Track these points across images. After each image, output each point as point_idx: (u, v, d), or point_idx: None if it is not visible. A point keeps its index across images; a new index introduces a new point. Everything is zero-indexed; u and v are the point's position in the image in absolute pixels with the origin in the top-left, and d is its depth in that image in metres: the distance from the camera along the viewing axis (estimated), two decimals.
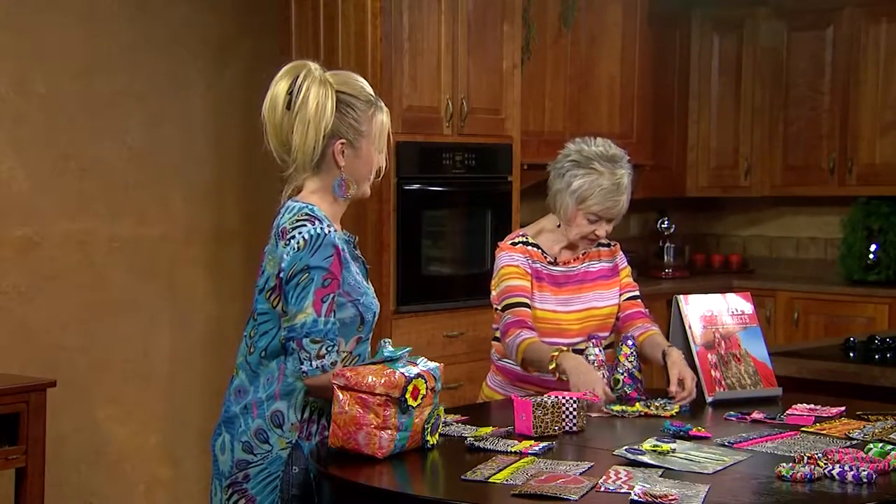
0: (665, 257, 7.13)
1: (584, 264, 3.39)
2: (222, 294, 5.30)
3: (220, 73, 5.29)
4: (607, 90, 6.38)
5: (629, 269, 3.49)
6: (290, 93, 2.62)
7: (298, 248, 2.55)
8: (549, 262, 3.35)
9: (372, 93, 2.71)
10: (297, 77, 2.62)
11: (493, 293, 3.37)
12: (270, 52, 5.28)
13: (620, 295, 3.42)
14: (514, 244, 3.35)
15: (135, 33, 5.02)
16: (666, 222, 7.17)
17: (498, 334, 3.37)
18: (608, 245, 3.45)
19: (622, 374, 3.17)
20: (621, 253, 3.49)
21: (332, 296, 2.56)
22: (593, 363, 3.13)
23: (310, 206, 2.64)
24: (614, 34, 6.39)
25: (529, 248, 3.34)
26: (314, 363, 2.53)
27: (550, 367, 3.09)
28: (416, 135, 5.08)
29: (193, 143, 5.25)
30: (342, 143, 2.65)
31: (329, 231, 2.58)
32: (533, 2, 5.79)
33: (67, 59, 4.81)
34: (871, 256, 6.69)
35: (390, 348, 2.54)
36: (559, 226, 3.34)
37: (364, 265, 2.76)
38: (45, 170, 4.76)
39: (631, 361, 3.17)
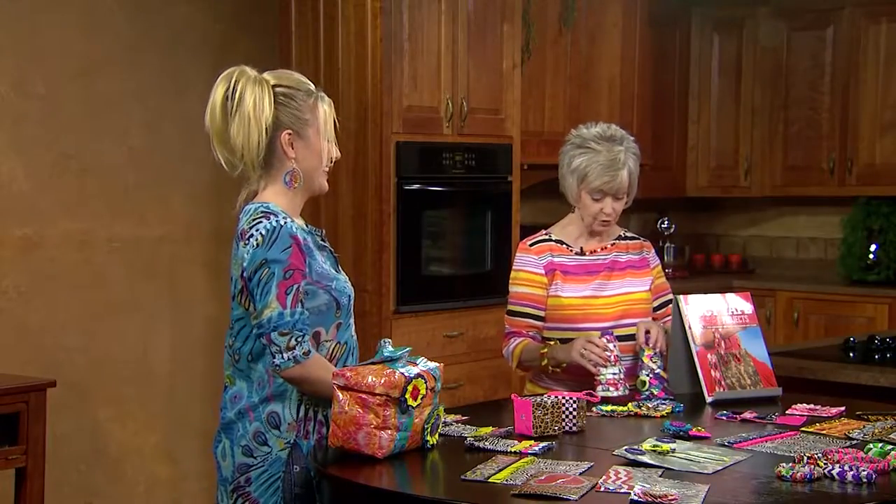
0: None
1: (613, 254, 3.44)
2: (222, 294, 5.25)
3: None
4: (607, 90, 6.38)
5: (661, 268, 3.54)
6: (227, 97, 2.64)
7: (257, 244, 2.56)
8: (576, 254, 3.40)
9: (312, 86, 2.71)
10: (231, 81, 2.65)
11: None
12: (270, 52, 5.27)
13: (656, 298, 3.46)
14: (531, 244, 3.42)
15: (135, 33, 5.02)
16: (666, 222, 7.16)
17: None
18: (636, 238, 3.51)
19: (647, 375, 3.17)
20: (653, 251, 3.55)
21: (295, 287, 2.55)
22: (609, 358, 3.15)
23: (265, 204, 2.64)
24: (614, 34, 6.39)
25: (552, 243, 3.40)
26: (285, 355, 2.54)
27: (543, 364, 3.25)
28: (416, 135, 5.08)
29: (193, 143, 5.22)
30: (289, 134, 2.65)
31: (285, 222, 2.59)
32: (533, 2, 5.79)
33: (67, 59, 4.81)
34: (871, 256, 6.69)
35: (390, 348, 2.54)
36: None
37: (332, 255, 2.75)
38: (45, 170, 4.76)
39: (655, 362, 3.18)
